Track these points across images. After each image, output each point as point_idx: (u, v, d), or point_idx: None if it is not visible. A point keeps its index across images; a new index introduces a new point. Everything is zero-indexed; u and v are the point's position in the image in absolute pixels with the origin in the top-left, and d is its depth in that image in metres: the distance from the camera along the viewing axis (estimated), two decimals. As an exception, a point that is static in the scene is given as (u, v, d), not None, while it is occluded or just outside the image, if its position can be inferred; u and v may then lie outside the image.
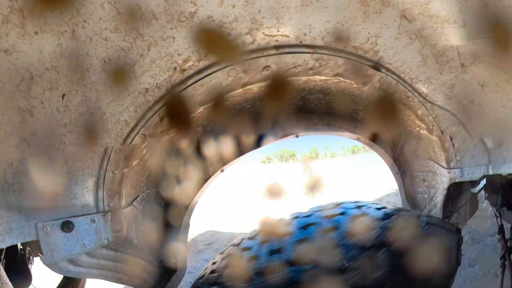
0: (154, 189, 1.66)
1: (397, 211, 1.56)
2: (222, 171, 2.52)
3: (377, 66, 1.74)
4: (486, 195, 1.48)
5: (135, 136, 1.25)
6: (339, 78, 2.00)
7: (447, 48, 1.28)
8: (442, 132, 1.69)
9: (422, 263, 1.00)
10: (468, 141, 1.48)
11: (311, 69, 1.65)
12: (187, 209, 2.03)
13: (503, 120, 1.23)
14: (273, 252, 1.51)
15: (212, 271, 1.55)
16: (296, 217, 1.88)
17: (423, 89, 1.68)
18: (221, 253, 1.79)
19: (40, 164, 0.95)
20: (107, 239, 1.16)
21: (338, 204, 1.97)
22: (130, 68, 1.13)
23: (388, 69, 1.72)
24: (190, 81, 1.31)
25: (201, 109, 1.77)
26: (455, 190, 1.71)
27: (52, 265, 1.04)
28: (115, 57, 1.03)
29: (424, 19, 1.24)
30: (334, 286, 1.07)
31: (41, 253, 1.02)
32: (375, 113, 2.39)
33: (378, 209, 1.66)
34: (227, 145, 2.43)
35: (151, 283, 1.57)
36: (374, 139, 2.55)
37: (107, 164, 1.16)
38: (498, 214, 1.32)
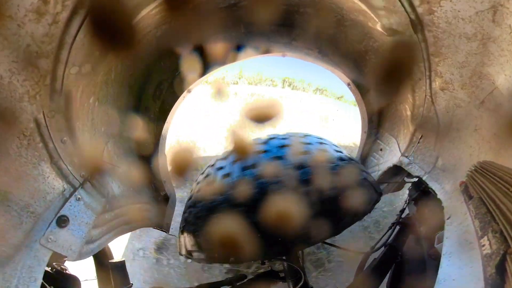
0: (118, 133, 1.67)
1: (350, 159, 1.83)
2: (189, 91, 2.35)
3: (418, 21, 1.16)
4: (410, 187, 1.73)
5: (63, 74, 0.99)
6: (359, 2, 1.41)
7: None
8: (420, 126, 1.55)
9: (348, 202, 1.44)
10: (430, 149, 1.43)
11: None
12: (158, 139, 2.18)
13: (460, 158, 1.15)
14: (246, 168, 1.69)
15: (198, 190, 1.98)
16: (273, 138, 2.11)
17: (440, 68, 1.28)
18: (202, 173, 2.19)
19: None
20: (101, 205, 1.20)
21: (306, 135, 2.18)
22: None
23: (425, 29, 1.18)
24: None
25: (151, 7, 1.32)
26: (396, 170, 1.91)
27: (79, 257, 1.09)
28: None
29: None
30: (293, 198, 1.50)
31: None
32: (384, 62, 1.94)
33: (336, 151, 1.91)
34: (191, 58, 2.07)
35: (153, 218, 1.89)
36: (364, 92, 2.26)
37: (49, 134, 1.08)
38: (407, 202, 1.66)
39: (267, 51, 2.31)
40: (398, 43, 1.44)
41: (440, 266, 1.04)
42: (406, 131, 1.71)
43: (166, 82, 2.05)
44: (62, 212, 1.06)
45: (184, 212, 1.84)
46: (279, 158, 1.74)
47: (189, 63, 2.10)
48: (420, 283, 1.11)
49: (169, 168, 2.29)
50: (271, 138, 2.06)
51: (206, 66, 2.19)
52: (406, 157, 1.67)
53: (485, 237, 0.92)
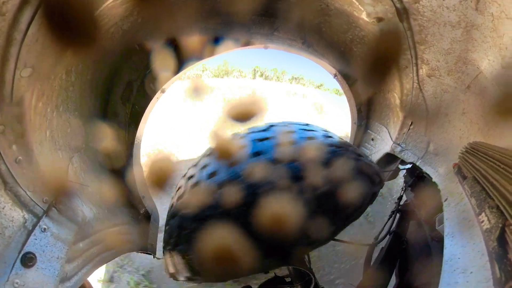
0: (84, 146, 1.52)
1: (343, 145, 1.88)
2: (163, 91, 2.25)
3: (403, 9, 1.29)
4: (405, 173, 1.92)
5: (13, 78, 0.86)
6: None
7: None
8: (409, 113, 1.73)
9: (347, 195, 1.50)
10: (421, 134, 1.61)
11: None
12: (131, 148, 2.04)
13: (451, 141, 1.33)
14: (231, 167, 1.64)
15: (180, 197, 1.87)
16: (252, 132, 2.11)
17: (426, 55, 1.45)
18: (184, 176, 2.09)
19: None
20: (73, 234, 1.09)
21: (290, 124, 2.23)
22: None
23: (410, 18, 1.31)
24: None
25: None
26: (389, 158, 2.10)
27: None
28: None
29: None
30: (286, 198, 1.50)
31: None
32: (370, 51, 2.09)
33: (326, 136, 1.98)
34: (163, 53, 1.98)
35: (136, 241, 1.75)
36: (351, 82, 2.43)
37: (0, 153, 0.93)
38: (403, 188, 1.84)
39: (247, 43, 2.33)
40: (384, 32, 1.57)
41: (444, 247, 1.18)
42: (396, 119, 1.89)
43: (136, 82, 1.93)
44: (26, 249, 0.95)
45: (166, 225, 1.75)
46: (264, 153, 1.75)
47: (162, 59, 2.01)
48: (428, 265, 1.24)
49: (147, 180, 2.17)
50: (253, 132, 2.08)
51: (181, 61, 2.12)
52: (398, 144, 1.84)
53: (483, 214, 1.06)
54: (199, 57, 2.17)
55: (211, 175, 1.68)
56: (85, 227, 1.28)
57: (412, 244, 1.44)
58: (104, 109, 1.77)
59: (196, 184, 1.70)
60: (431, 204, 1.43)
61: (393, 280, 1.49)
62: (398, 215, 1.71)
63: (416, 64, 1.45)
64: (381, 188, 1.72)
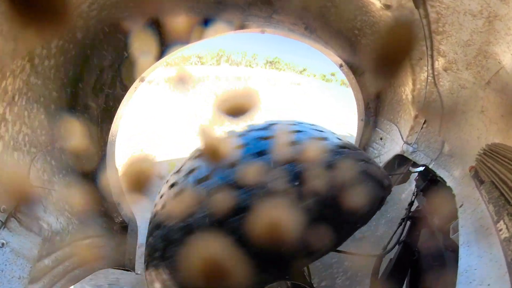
0: (49, 145, 1.45)
1: (350, 148, 1.93)
2: (142, 80, 2.20)
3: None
4: (417, 177, 1.99)
5: None
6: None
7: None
8: (422, 110, 1.78)
9: (351, 202, 1.54)
10: (435, 134, 1.67)
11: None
12: (105, 146, 1.99)
13: (467, 142, 1.39)
14: (223, 170, 1.66)
15: (163, 206, 1.84)
16: (253, 130, 2.12)
17: (443, 47, 1.49)
18: (166, 182, 2.06)
19: None
20: (37, 248, 1.05)
21: (293, 123, 2.26)
22: None
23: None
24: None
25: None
26: (399, 160, 2.16)
27: None
28: None
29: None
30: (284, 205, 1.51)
31: None
32: (381, 40, 2.13)
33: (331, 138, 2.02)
34: (144, 35, 1.93)
35: (111, 256, 1.70)
36: (358, 73, 2.47)
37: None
38: (415, 193, 1.90)
39: (242, 27, 2.31)
40: (397, 19, 1.60)
41: (459, 257, 1.23)
42: (407, 117, 1.94)
43: (111, 69, 1.87)
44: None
45: (148, 236, 1.73)
46: (262, 154, 1.77)
47: (142, 42, 1.96)
48: (441, 278, 1.30)
49: (123, 185, 2.12)
50: (250, 130, 2.08)
51: (164, 45, 2.08)
52: (410, 145, 1.90)
53: (501, 221, 1.12)
54: (185, 40, 2.13)
55: (202, 179, 1.66)
56: (51, 240, 1.24)
57: (424, 255, 1.50)
58: (72, 101, 1.70)
59: (183, 190, 1.69)
60: (445, 211, 1.49)
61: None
62: (408, 222, 1.77)
63: (432, 56, 1.49)
64: (390, 193, 1.77)
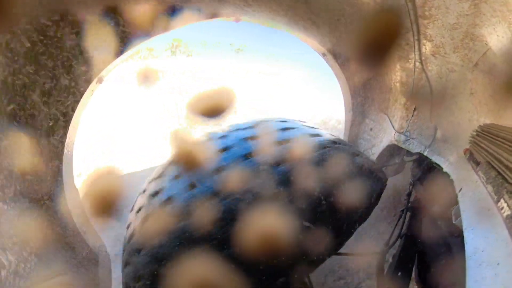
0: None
1: (339, 143, 2.00)
2: (100, 81, 2.07)
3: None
4: (412, 167, 2.15)
5: None
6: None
7: None
8: (412, 96, 1.94)
9: (346, 200, 1.58)
10: (427, 120, 1.83)
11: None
12: (59, 164, 1.82)
13: (459, 125, 1.56)
14: (193, 185, 1.63)
15: (132, 234, 1.72)
16: (236, 130, 2.09)
17: (430, 31, 1.64)
18: (132, 209, 1.95)
19: None
20: None
21: (276, 120, 2.28)
22: None
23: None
24: None
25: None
26: (392, 150, 2.32)
27: None
28: None
29: None
30: (275, 211, 1.50)
31: None
32: (366, 26, 2.26)
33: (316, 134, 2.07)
34: (101, 28, 1.81)
35: None
36: (343, 62, 2.60)
37: None
38: (412, 183, 2.06)
39: (214, 15, 2.29)
40: (383, 4, 1.72)
41: (465, 242, 1.35)
42: (397, 105, 2.09)
43: (62, 69, 1.71)
44: None
45: (125, 264, 1.62)
46: (248, 156, 1.78)
47: (98, 36, 1.84)
48: (449, 265, 1.41)
49: (87, 208, 1.95)
50: (232, 131, 2.08)
51: (125, 39, 1.99)
52: (402, 133, 2.05)
53: (502, 200, 1.26)
54: (149, 32, 2.06)
55: (187, 188, 1.61)
56: (12, 284, 1.10)
57: (428, 244, 1.62)
58: (16, 109, 1.53)
59: (166, 202, 1.61)
60: (444, 197, 1.63)
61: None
62: (408, 214, 1.90)
63: (419, 41, 1.63)
64: (385, 186, 1.89)
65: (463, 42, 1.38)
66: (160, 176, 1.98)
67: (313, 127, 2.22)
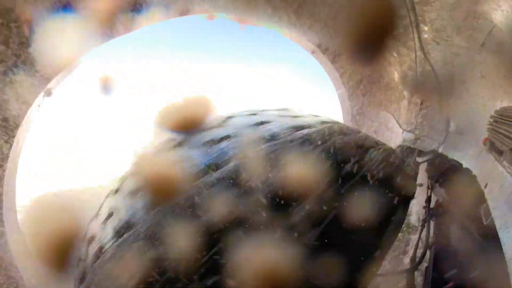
0: None
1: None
2: (49, 94, 2.02)
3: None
4: (427, 167, 2.23)
5: None
6: None
7: None
8: (416, 89, 2.07)
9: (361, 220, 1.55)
10: (437, 113, 1.95)
11: None
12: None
13: (473, 113, 1.68)
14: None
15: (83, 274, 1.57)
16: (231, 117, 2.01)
17: (428, 15, 1.79)
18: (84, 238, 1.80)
19: None
20: None
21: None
22: None
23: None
24: None
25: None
26: (402, 153, 2.40)
27: None
28: None
29: None
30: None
31: None
32: (359, 16, 2.42)
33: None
34: (50, 27, 1.79)
35: None
36: (334, 57, 2.73)
37: None
38: (430, 186, 2.11)
39: (185, 12, 2.36)
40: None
41: (502, 243, 1.39)
42: (401, 100, 2.21)
43: (3, 79, 1.65)
44: None
45: None
46: (218, 168, 1.72)
47: (47, 38, 1.81)
48: (489, 271, 1.43)
49: (37, 257, 1.79)
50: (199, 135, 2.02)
51: (80, 40, 1.97)
52: (410, 131, 2.15)
53: (535, 188, 1.32)
54: (109, 32, 2.07)
55: (149, 208, 1.51)
56: None
57: (461, 253, 1.64)
58: None
59: (123, 228, 1.51)
60: (469, 197, 1.69)
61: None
62: (432, 222, 1.93)
63: (417, 27, 1.77)
64: (413, 196, 1.89)
65: (465, 22, 1.52)
66: (116, 191, 1.84)
67: (300, 115, 2.19)
